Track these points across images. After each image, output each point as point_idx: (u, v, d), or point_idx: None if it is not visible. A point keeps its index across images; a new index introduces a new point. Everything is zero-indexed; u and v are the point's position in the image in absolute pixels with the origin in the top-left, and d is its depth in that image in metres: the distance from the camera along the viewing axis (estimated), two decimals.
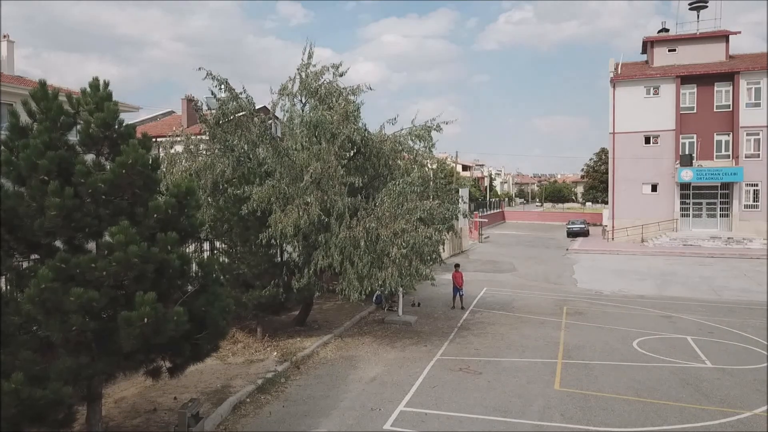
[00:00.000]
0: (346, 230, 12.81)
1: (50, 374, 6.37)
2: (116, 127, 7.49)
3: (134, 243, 6.50)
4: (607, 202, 48.25)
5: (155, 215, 7.16)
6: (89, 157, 7.49)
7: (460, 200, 14.83)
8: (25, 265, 7.45)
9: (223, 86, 14.58)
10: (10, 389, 5.74)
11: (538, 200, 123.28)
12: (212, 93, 14.59)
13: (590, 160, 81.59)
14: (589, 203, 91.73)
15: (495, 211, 67.72)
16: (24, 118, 7.46)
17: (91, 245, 7.41)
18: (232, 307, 8.22)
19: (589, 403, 10.46)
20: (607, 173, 45.60)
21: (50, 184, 6.51)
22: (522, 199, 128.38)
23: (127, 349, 6.61)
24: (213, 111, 15.02)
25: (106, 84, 7.63)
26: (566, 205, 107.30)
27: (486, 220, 51.93)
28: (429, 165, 14.60)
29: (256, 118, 14.63)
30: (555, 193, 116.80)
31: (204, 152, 15.31)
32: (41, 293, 6.05)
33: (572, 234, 47.38)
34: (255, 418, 9.70)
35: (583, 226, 48.38)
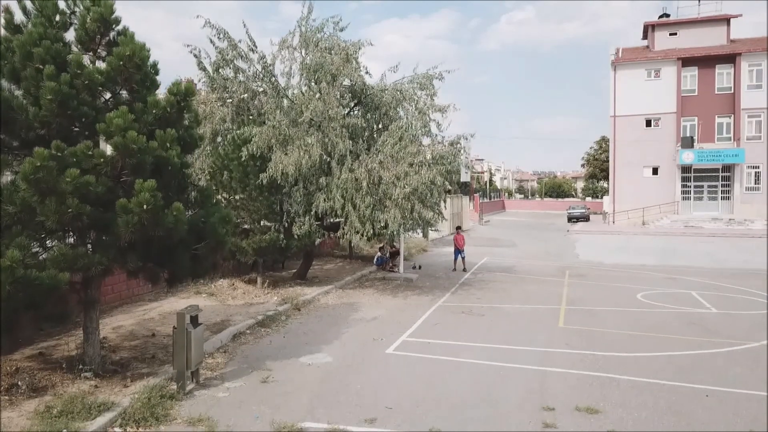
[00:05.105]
0: (348, 172, 12.64)
1: (46, 263, 6.21)
2: (113, 26, 7.32)
3: (133, 129, 6.33)
4: (606, 194, 47.99)
5: (154, 111, 6.99)
6: (86, 58, 7.32)
7: (462, 150, 14.59)
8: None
9: (222, 36, 14.42)
10: (5, 266, 5.57)
11: (537, 196, 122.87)
12: (211, 41, 14.41)
13: (590, 148, 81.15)
14: (589, 198, 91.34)
15: (495, 200, 67.69)
16: (19, 17, 7.29)
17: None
18: (231, 217, 8.05)
19: (593, 337, 10.32)
20: (608, 161, 45.32)
21: (46, 68, 6.34)
22: (521, 195, 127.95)
23: (126, 240, 6.43)
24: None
25: None
26: (566, 199, 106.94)
27: (486, 200, 51.82)
28: (430, 114, 14.33)
29: (256, 53, 14.31)
30: (555, 189, 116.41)
31: (203, 104, 15.14)
32: (36, 171, 5.87)
33: (573, 218, 47.24)
34: (255, 345, 9.54)
35: (584, 210, 48.30)
